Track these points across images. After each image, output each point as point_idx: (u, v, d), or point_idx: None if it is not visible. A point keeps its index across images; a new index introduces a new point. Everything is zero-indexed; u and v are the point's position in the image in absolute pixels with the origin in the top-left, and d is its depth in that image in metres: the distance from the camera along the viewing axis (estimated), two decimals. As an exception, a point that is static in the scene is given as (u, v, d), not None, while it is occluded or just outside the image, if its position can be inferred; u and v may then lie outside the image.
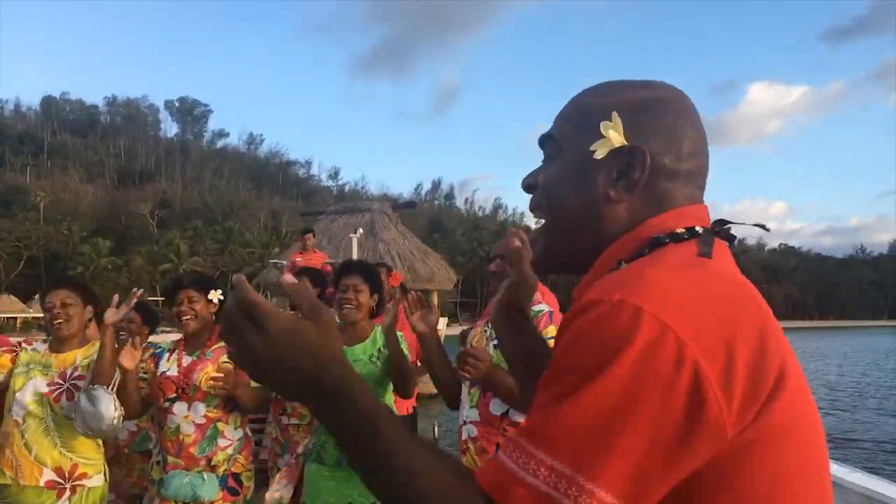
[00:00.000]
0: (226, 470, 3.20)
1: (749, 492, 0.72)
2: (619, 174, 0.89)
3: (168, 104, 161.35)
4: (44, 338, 3.37)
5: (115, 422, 3.09)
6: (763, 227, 0.96)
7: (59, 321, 3.18)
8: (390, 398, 3.36)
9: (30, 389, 3.15)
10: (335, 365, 0.74)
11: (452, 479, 0.73)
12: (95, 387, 3.07)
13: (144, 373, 3.33)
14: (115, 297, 3.22)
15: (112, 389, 3.11)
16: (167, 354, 3.36)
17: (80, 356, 3.26)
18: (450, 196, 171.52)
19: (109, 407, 3.06)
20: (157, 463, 3.32)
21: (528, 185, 1.00)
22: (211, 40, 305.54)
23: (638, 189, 0.89)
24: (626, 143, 0.89)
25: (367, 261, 3.77)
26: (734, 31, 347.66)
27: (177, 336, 3.50)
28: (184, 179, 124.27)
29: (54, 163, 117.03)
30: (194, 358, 3.28)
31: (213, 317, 3.39)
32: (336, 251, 14.56)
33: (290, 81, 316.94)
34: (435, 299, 17.93)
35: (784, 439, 0.73)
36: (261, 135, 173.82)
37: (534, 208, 0.99)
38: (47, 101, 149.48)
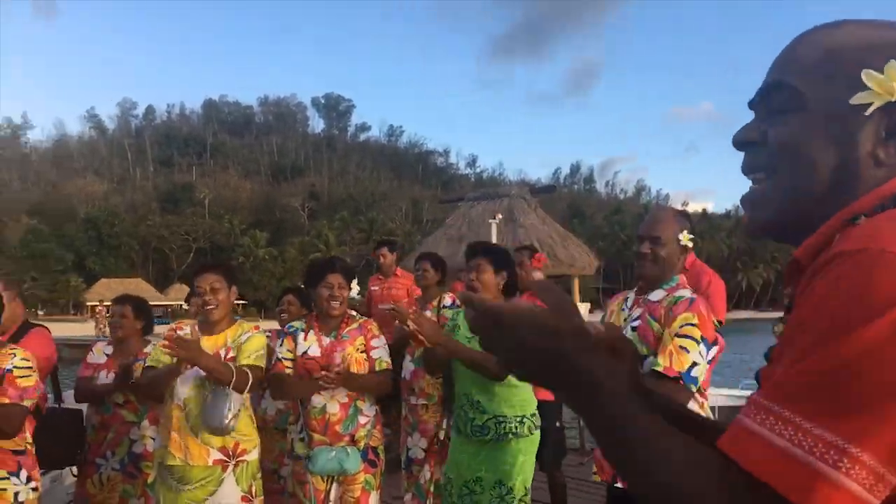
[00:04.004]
0: (366, 444, 3.38)
1: None
2: (888, 132, 0.79)
3: (314, 101, 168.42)
4: (191, 322, 3.44)
5: (229, 422, 3.12)
6: None
7: (210, 306, 3.28)
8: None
9: (189, 374, 3.21)
10: (581, 353, 0.74)
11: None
12: (223, 388, 3.11)
13: (289, 351, 3.44)
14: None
15: (233, 390, 3.13)
16: (303, 334, 3.48)
17: (229, 337, 3.33)
18: (589, 179, 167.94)
19: (224, 408, 3.11)
20: (302, 440, 3.43)
21: (745, 141, 0.89)
22: (351, 36, 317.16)
23: None
24: None
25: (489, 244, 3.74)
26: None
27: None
28: (330, 173, 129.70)
29: (216, 161, 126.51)
30: (332, 339, 3.43)
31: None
32: (476, 237, 14.67)
33: (427, 72, 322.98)
34: (576, 285, 17.67)
35: None
36: (400, 126, 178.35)
37: (755, 168, 0.88)
38: (208, 104, 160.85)
